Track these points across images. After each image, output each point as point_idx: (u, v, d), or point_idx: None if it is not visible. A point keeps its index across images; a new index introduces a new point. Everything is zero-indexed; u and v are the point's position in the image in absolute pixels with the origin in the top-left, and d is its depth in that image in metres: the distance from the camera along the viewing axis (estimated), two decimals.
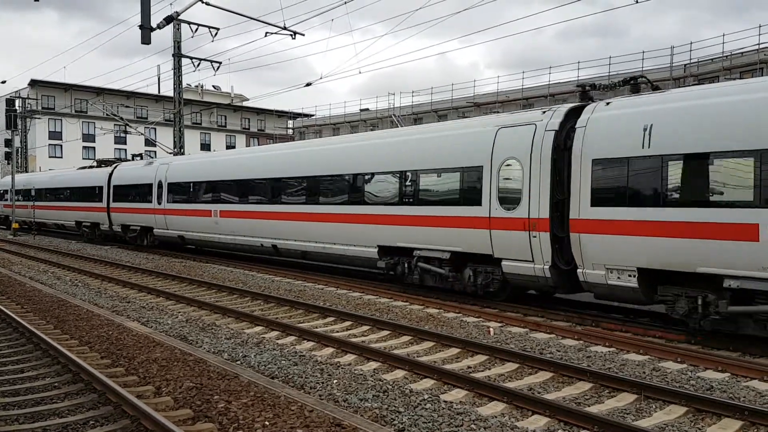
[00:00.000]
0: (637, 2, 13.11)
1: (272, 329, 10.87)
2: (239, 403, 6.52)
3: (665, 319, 11.03)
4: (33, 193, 36.53)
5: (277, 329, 10.80)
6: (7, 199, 40.47)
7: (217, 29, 26.71)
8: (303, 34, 25.64)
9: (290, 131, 76.17)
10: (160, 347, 9.04)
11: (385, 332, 10.57)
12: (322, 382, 7.56)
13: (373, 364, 8.58)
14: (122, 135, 69.50)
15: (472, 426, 6.14)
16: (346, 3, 18.53)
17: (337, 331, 10.80)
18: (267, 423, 5.98)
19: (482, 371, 8.32)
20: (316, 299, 13.63)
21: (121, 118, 40.21)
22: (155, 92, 73.12)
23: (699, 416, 6.49)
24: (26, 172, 53.63)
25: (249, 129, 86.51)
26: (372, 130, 60.99)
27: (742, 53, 36.85)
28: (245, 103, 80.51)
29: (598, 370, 7.88)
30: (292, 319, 11.83)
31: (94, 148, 72.80)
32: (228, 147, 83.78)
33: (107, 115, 42.95)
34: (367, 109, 62.99)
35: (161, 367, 7.96)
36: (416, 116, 57.20)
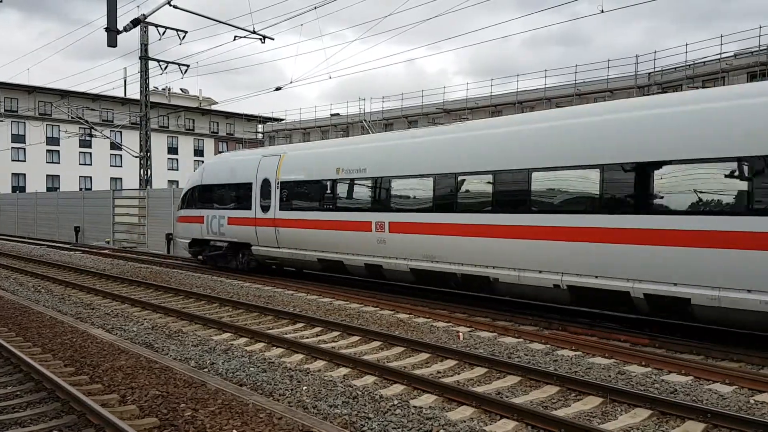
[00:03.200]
0: (602, 12, 13.35)
1: (241, 336, 10.77)
2: (206, 411, 6.44)
3: (632, 323, 11.24)
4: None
5: (246, 336, 10.70)
6: None
7: (185, 32, 26.48)
8: (272, 39, 25.58)
9: (260, 135, 75.72)
10: (125, 355, 8.89)
11: (356, 338, 10.55)
12: (292, 389, 7.51)
13: (343, 370, 8.56)
14: (87, 138, 68.37)
15: (441, 431, 6.16)
16: (315, 8, 18.55)
17: (307, 337, 10.75)
18: (235, 431, 5.92)
19: (451, 376, 8.36)
20: (285, 305, 13.54)
21: (87, 122, 39.49)
22: (121, 95, 72.07)
23: (663, 419, 6.61)
24: None
25: (218, 133, 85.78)
26: (343, 135, 61.04)
27: (704, 62, 37.79)
28: (214, 107, 79.85)
29: (565, 373, 7.98)
30: (261, 326, 11.74)
31: (58, 151, 71.43)
32: (196, 151, 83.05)
33: (72, 118, 42.09)
34: (337, 114, 62.96)
35: (126, 375, 7.83)
36: (387, 122, 57.34)
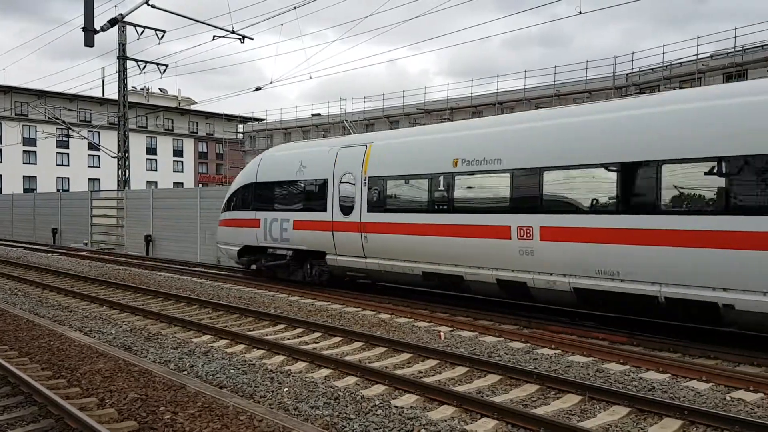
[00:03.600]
0: (580, 13, 13.48)
1: (221, 338, 10.70)
2: (186, 414, 6.40)
3: (610, 322, 11.35)
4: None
5: (226, 338, 10.64)
6: None
7: (164, 32, 26.26)
8: (252, 38, 25.48)
9: (240, 135, 75.32)
10: (103, 358, 8.79)
11: (337, 338, 10.54)
12: (273, 391, 7.48)
13: (325, 371, 8.55)
14: (65, 139, 67.51)
15: (423, 430, 6.18)
16: (295, 8, 18.48)
17: (288, 339, 10.72)
18: None
19: (433, 375, 8.39)
20: (266, 306, 13.49)
21: (64, 122, 39.03)
22: (99, 95, 71.29)
23: (641, 416, 6.69)
24: None
25: (197, 133, 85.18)
26: (324, 136, 60.94)
27: (681, 63, 38.30)
28: (193, 107, 79.29)
29: (545, 372, 8.04)
30: (242, 327, 11.68)
31: (35, 152, 70.47)
32: (175, 152, 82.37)
33: (49, 118, 41.56)
34: (318, 114, 62.88)
35: (105, 379, 7.74)
36: (368, 122, 57.39)
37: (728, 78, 35.99)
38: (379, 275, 14.29)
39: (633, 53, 62.11)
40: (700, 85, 37.11)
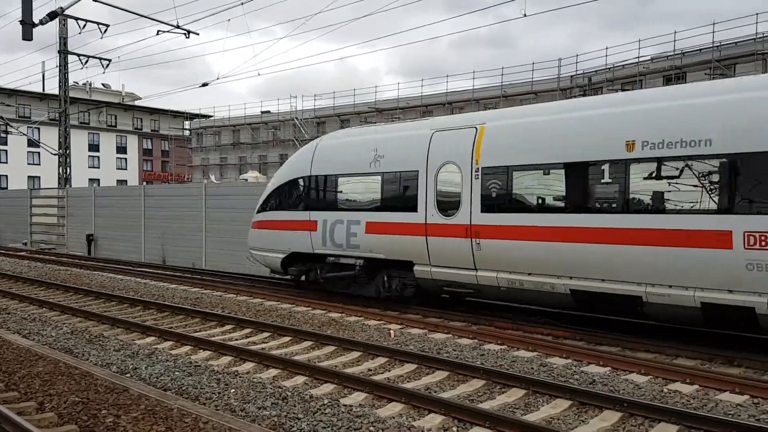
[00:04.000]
0: (525, 15, 13.76)
1: (165, 339, 10.49)
2: (129, 417, 6.26)
3: (555, 317, 11.63)
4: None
5: (171, 339, 10.44)
6: None
7: (107, 26, 25.57)
8: (197, 33, 25.06)
9: (187, 132, 73.91)
10: (43, 361, 8.51)
11: (287, 338, 10.48)
12: (219, 393, 7.39)
13: (273, 371, 8.49)
14: (2, 135, 64.87)
15: (371, 428, 6.21)
16: (243, 3, 18.26)
17: (236, 339, 10.59)
18: None
19: (382, 373, 8.43)
20: (214, 306, 13.29)
21: (2, 118, 37.55)
22: (39, 90, 68.80)
23: (582, 409, 6.88)
24: None
25: (142, 129, 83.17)
26: (274, 134, 60.36)
27: (623, 66, 39.47)
28: (138, 103, 77.35)
29: (491, 367, 8.19)
30: (188, 328, 11.48)
31: None
32: (119, 148, 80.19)
33: None
34: (268, 111, 62.21)
35: (44, 382, 7.50)
36: (319, 120, 57.13)
37: (668, 80, 37.28)
38: (497, 292, 11.37)
39: (577, 55, 63.81)
40: (642, 87, 38.38)
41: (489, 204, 11.05)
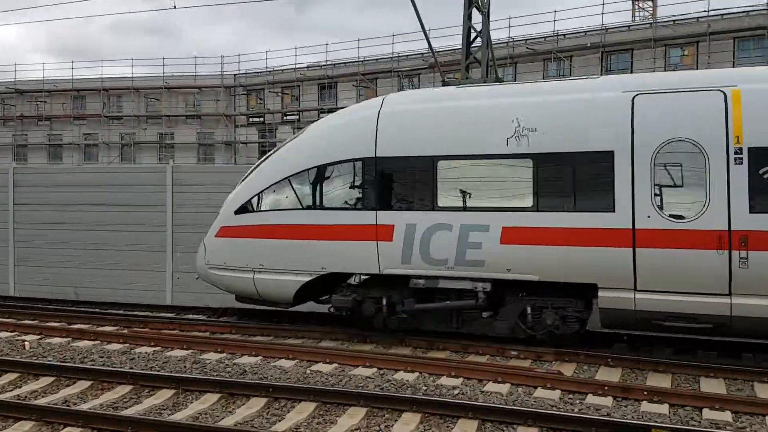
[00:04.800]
0: (175, 8, 13.50)
1: None
2: None
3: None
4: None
5: None
6: None
7: None
8: None
9: None
10: None
11: None
12: None
13: None
14: None
15: None
16: None
17: None
18: None
19: (11, 391, 7.48)
20: None
21: None
22: None
23: (231, 399, 7.06)
24: None
25: None
26: None
27: (282, 70, 41.67)
28: None
29: (139, 371, 7.88)
30: None
31: None
32: None
33: None
34: None
35: None
36: None
37: (322, 88, 40.49)
38: (765, 326, 8.11)
39: (239, 55, 64.68)
40: (299, 93, 41.04)
41: (764, 201, 7.95)
